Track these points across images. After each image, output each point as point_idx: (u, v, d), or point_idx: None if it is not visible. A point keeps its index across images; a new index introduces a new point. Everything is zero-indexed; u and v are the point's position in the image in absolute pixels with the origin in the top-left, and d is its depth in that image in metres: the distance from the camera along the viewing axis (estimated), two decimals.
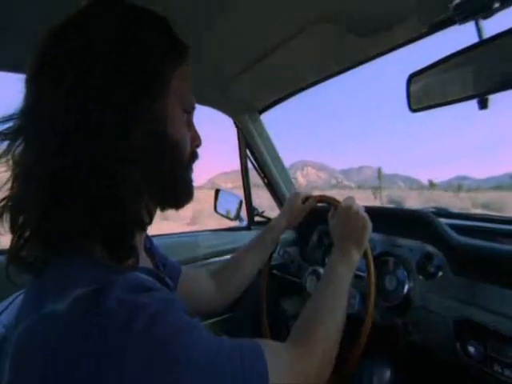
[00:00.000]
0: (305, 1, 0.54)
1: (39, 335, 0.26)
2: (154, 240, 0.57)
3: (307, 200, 0.78)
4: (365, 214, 0.63)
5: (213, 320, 1.08)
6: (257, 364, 0.32)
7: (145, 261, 0.44)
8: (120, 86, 0.32)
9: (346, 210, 0.63)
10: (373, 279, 0.63)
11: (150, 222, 0.40)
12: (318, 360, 0.42)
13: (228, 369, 0.29)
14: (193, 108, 0.42)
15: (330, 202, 0.73)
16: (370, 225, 0.63)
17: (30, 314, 0.28)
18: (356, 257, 0.60)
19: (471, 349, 0.65)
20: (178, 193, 0.42)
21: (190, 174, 0.43)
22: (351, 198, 0.67)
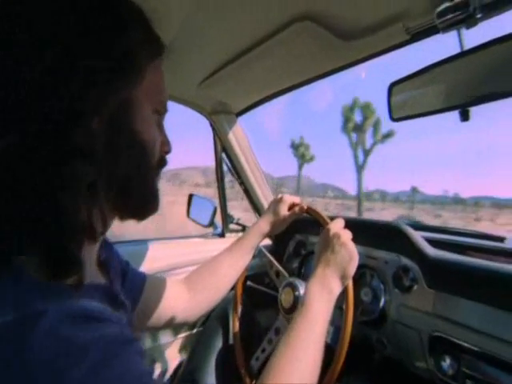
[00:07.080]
0: None
1: None
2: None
3: (293, 207, 0.72)
4: (352, 246, 0.57)
5: (183, 335, 1.01)
6: None
7: (96, 275, 0.38)
8: (84, 60, 0.27)
9: (334, 237, 0.57)
10: (350, 317, 0.57)
11: (104, 232, 0.35)
12: None
13: None
14: (165, 109, 0.38)
15: (318, 220, 0.66)
16: (357, 258, 0.57)
17: None
18: (336, 290, 0.54)
19: (445, 364, 0.64)
20: (142, 201, 0.37)
21: (157, 181, 0.38)
22: (340, 222, 0.61)
